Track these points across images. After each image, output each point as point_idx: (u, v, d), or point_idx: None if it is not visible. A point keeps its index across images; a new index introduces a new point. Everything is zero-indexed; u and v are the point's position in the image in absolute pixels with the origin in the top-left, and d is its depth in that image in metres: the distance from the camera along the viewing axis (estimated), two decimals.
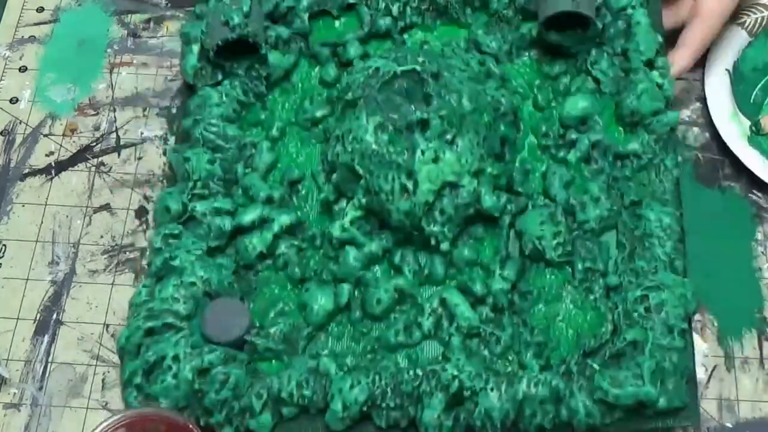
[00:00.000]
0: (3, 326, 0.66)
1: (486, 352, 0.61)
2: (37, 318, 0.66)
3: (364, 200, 0.64)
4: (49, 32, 0.79)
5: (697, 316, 0.66)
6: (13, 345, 0.65)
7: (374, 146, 0.62)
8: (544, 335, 0.62)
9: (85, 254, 0.69)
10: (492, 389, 0.57)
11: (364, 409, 0.58)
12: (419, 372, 0.59)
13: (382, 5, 0.74)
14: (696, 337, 0.65)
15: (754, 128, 0.71)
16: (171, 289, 0.61)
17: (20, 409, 0.63)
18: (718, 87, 0.73)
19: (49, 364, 0.65)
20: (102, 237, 0.70)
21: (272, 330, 0.63)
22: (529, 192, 0.67)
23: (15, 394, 0.64)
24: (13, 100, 0.76)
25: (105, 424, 0.55)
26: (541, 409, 0.57)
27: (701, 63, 0.76)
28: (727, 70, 0.74)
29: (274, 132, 0.71)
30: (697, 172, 0.72)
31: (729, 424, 0.62)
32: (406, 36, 0.74)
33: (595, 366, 0.59)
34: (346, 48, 0.73)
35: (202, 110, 0.69)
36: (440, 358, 0.61)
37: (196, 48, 0.71)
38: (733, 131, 0.71)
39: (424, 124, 0.62)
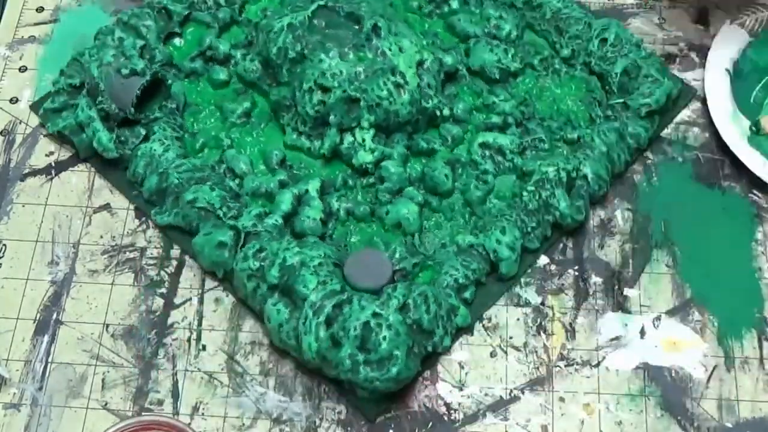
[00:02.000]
0: (3, 326, 0.66)
1: (542, 153, 0.71)
2: (37, 318, 0.66)
3: (372, 117, 0.68)
4: (49, 32, 0.79)
5: (697, 316, 0.66)
6: (13, 345, 0.65)
7: (354, 69, 0.68)
8: (559, 117, 0.73)
9: (85, 254, 0.69)
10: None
11: None
12: None
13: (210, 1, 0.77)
14: (696, 337, 0.65)
15: (754, 128, 0.71)
16: (313, 277, 0.62)
17: (20, 409, 0.63)
18: (718, 87, 0.73)
19: (49, 364, 0.65)
20: (102, 237, 0.70)
21: None
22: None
23: (15, 394, 0.64)
24: (13, 100, 0.76)
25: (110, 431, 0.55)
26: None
27: (701, 63, 0.76)
28: (727, 70, 0.74)
29: (225, 142, 0.72)
30: (697, 172, 0.72)
31: (729, 424, 0.62)
32: (246, 8, 0.78)
33: (618, 100, 0.72)
34: (217, 48, 0.75)
35: (157, 164, 0.69)
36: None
37: (97, 124, 0.70)
38: (733, 131, 0.71)
39: (375, 29, 0.69)
